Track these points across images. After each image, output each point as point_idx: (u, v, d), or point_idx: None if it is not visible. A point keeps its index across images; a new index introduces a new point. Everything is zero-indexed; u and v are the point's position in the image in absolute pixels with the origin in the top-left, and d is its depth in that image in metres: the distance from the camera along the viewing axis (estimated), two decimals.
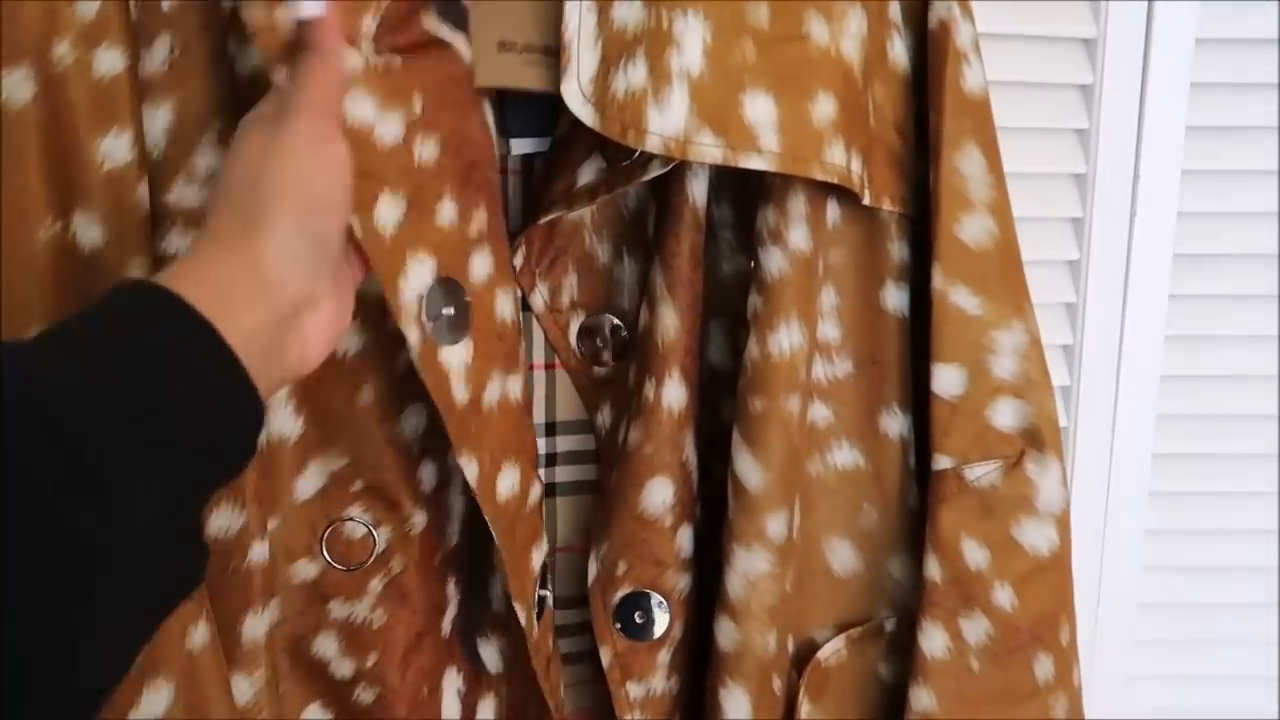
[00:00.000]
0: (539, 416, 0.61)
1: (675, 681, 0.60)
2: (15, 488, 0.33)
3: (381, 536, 0.55)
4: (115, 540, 0.34)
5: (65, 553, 0.33)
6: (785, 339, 0.56)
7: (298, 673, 0.56)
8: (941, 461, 0.57)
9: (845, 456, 0.60)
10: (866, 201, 0.56)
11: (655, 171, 0.53)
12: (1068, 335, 0.74)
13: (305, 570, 0.56)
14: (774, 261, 0.56)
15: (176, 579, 0.38)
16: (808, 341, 0.56)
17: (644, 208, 0.60)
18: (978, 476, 0.57)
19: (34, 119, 0.49)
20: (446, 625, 0.58)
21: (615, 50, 0.51)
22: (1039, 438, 0.57)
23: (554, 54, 0.52)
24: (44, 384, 0.35)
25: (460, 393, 0.50)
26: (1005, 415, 0.57)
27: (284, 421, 0.54)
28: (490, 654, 0.59)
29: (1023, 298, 0.58)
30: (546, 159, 0.58)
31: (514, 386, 0.54)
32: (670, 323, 0.57)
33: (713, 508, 0.59)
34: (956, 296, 0.57)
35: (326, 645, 0.56)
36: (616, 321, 0.60)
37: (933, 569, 0.57)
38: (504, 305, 0.53)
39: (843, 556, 0.60)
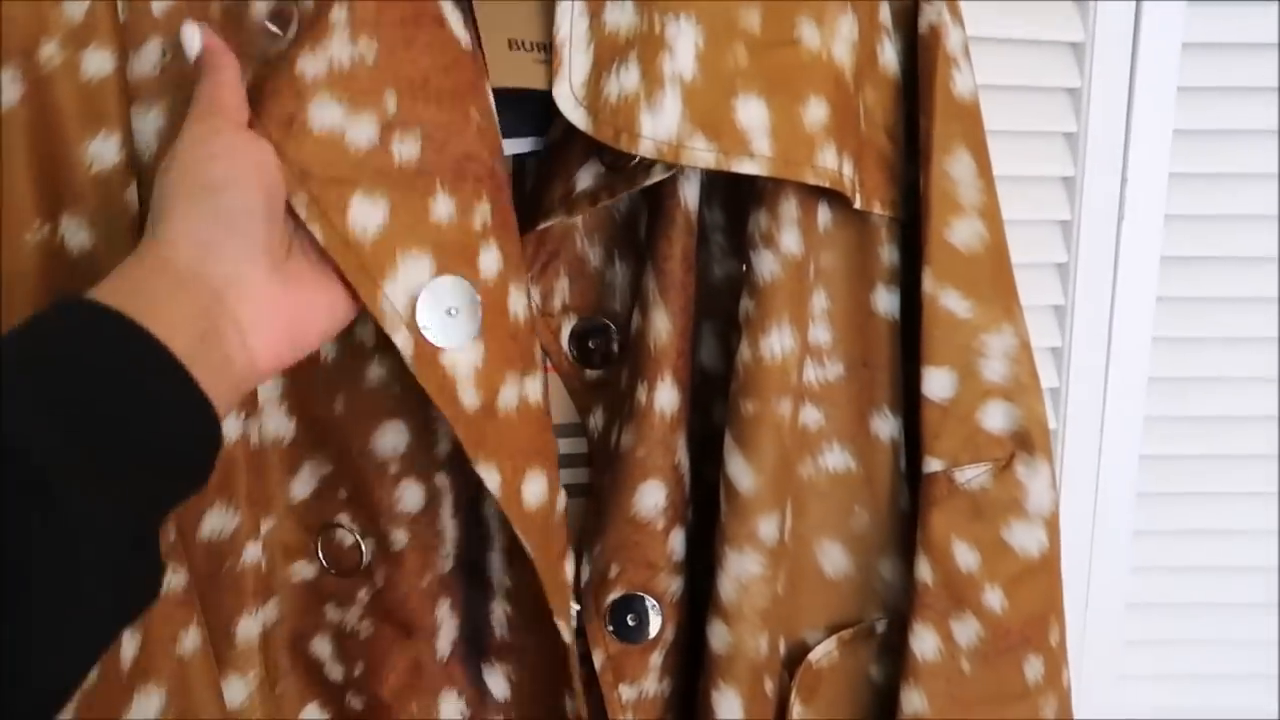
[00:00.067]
0: None
1: (667, 684, 0.60)
2: None
3: (367, 547, 0.55)
4: (68, 557, 0.34)
5: (16, 569, 0.33)
6: (777, 342, 0.56)
7: (297, 671, 0.56)
8: (932, 464, 0.57)
9: (836, 459, 0.60)
10: (858, 205, 0.56)
11: (658, 176, 0.53)
12: (1056, 338, 0.74)
13: (304, 570, 0.56)
14: (766, 265, 0.56)
15: (131, 596, 0.37)
16: (799, 345, 0.56)
17: (635, 211, 0.60)
18: (968, 479, 0.57)
19: (22, 120, 0.48)
20: (444, 648, 0.57)
21: (607, 54, 0.51)
22: (1029, 440, 0.57)
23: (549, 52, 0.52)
24: None
25: (470, 398, 0.49)
26: (995, 418, 0.57)
27: (278, 422, 0.54)
28: (496, 681, 0.58)
29: (1012, 301, 0.58)
30: (540, 160, 0.58)
31: (533, 388, 0.52)
32: (662, 326, 0.57)
33: (704, 511, 0.59)
34: (947, 300, 0.57)
35: (322, 646, 0.56)
36: (608, 324, 0.60)
37: (924, 571, 0.57)
38: (517, 302, 0.51)
39: (834, 559, 0.61)
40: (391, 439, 0.55)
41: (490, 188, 0.51)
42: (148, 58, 0.51)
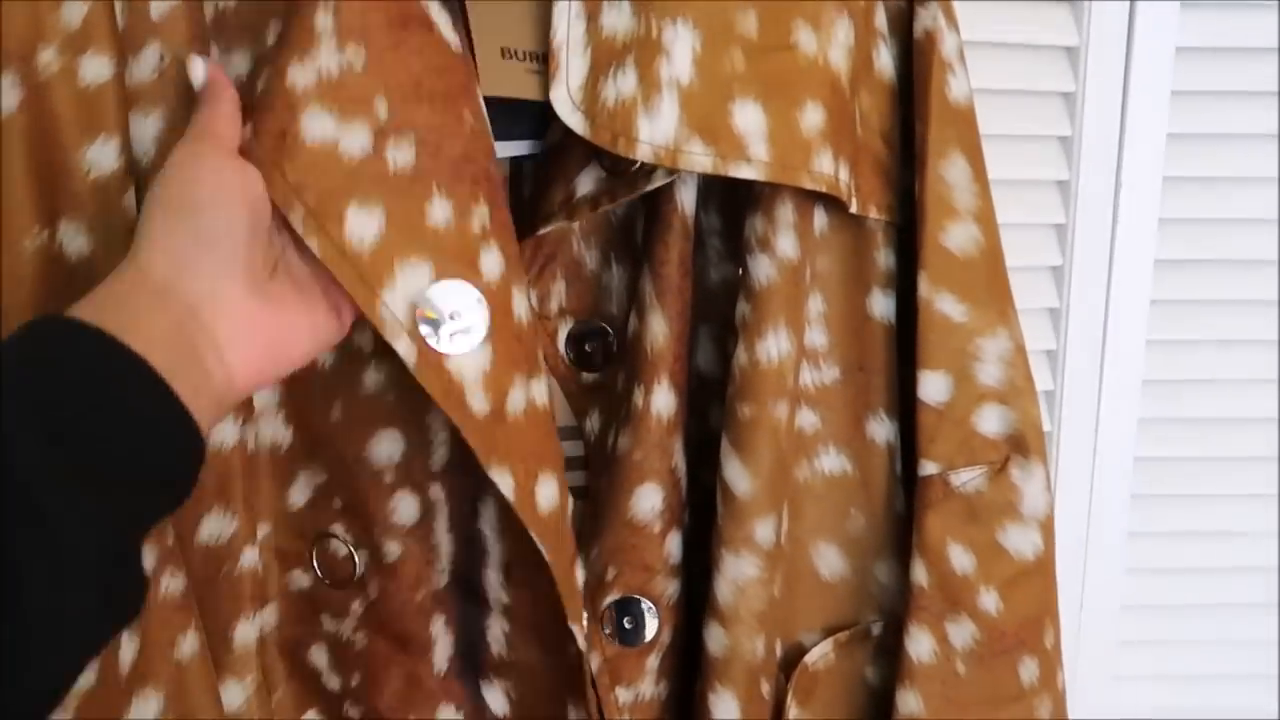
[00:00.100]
0: None
1: (664, 686, 0.60)
2: None
3: (361, 559, 0.55)
4: (52, 573, 0.34)
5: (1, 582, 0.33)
6: (773, 346, 0.56)
7: (295, 679, 0.56)
8: (928, 467, 0.57)
9: (833, 462, 0.60)
10: (854, 210, 0.56)
11: (659, 182, 0.53)
12: (1051, 340, 0.74)
13: (300, 579, 0.56)
14: (762, 269, 0.56)
15: (115, 611, 0.38)
16: (796, 348, 0.57)
17: (632, 215, 0.60)
18: (963, 482, 0.57)
19: (21, 126, 0.48)
20: (440, 663, 0.57)
21: (605, 58, 0.51)
22: (1024, 443, 0.58)
23: (546, 61, 0.52)
24: None
25: (479, 402, 0.48)
26: (990, 421, 0.58)
27: (275, 429, 0.54)
28: (495, 697, 0.58)
29: (1007, 305, 0.58)
30: (539, 164, 0.58)
31: (538, 391, 0.51)
32: (659, 330, 0.57)
33: (701, 514, 0.60)
34: (942, 304, 0.57)
35: (319, 656, 0.56)
36: (605, 328, 0.61)
37: (919, 574, 0.57)
38: (520, 304, 0.51)
39: (830, 561, 0.61)
40: (387, 447, 0.55)
41: (487, 189, 0.51)
42: (146, 63, 0.51)
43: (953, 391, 0.57)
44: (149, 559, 0.50)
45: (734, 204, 0.59)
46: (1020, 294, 0.60)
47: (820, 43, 0.53)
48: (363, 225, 0.47)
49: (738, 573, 0.57)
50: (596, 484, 0.59)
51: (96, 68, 0.49)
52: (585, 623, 0.55)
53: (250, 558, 0.53)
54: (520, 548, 0.56)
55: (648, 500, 0.57)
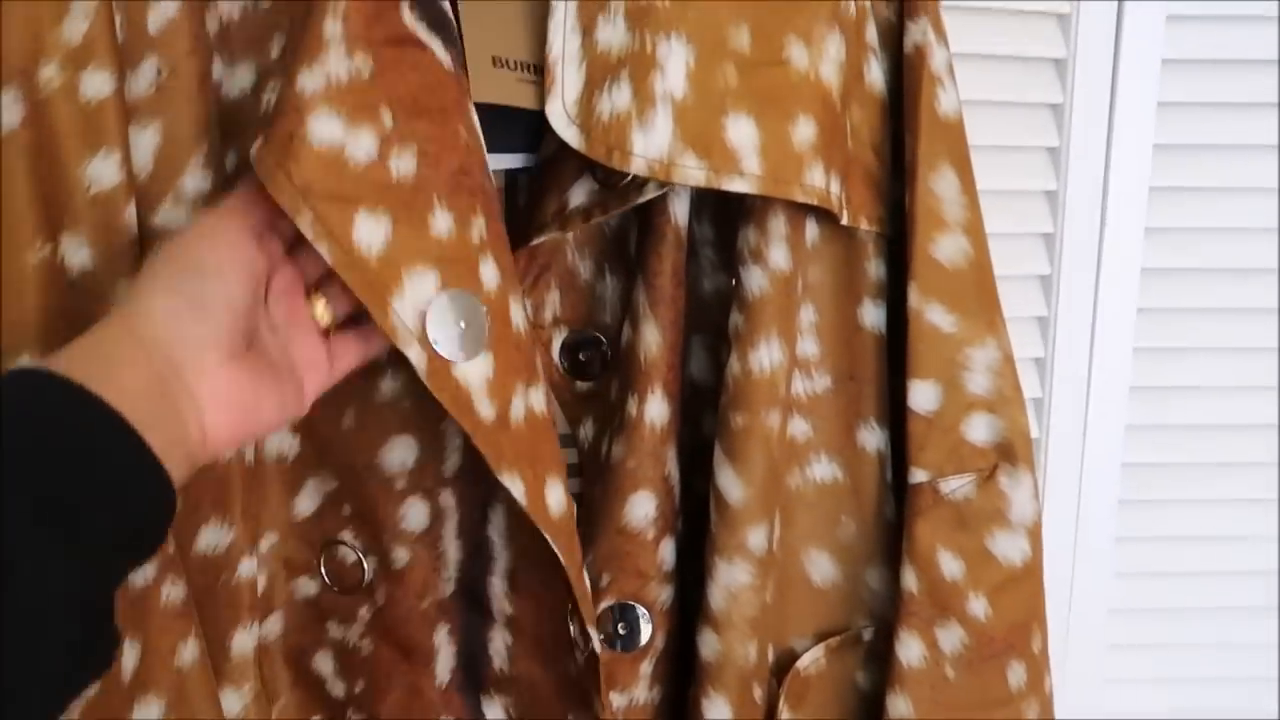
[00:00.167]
0: None
1: (658, 691, 0.61)
2: None
3: (369, 565, 0.56)
4: (23, 626, 0.34)
5: None
6: (766, 356, 0.57)
7: (300, 686, 0.57)
8: (917, 475, 0.58)
9: (824, 470, 0.61)
10: (845, 221, 0.57)
11: (651, 194, 0.53)
12: (1040, 348, 0.75)
13: (306, 587, 0.56)
14: (755, 280, 0.57)
15: (84, 663, 0.37)
16: (788, 358, 0.57)
17: (626, 225, 0.61)
18: (952, 489, 0.58)
19: (23, 142, 0.49)
20: (443, 674, 0.57)
21: (600, 73, 0.51)
22: (1012, 451, 0.59)
23: (541, 72, 0.53)
24: None
25: (486, 409, 0.49)
26: (979, 430, 0.59)
27: (281, 439, 0.54)
28: (495, 712, 0.59)
29: (996, 315, 0.59)
30: (533, 176, 0.59)
31: (537, 398, 0.52)
32: (652, 340, 0.58)
33: (694, 521, 0.60)
34: (932, 314, 0.58)
35: (324, 663, 0.57)
36: (599, 337, 0.61)
37: (909, 580, 0.58)
38: (517, 313, 0.52)
39: (822, 568, 0.62)
40: (400, 454, 0.55)
41: (483, 202, 0.52)
42: (144, 77, 0.51)
43: (942, 400, 0.58)
44: (149, 567, 0.51)
45: (727, 215, 0.60)
46: (1009, 302, 0.61)
47: (812, 58, 0.54)
48: (371, 232, 0.47)
49: (730, 579, 0.57)
50: (590, 492, 0.60)
51: (98, 83, 0.50)
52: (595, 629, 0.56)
53: (248, 568, 0.54)
54: (527, 554, 0.57)
55: (641, 508, 0.58)
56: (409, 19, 0.49)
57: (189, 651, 0.52)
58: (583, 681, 0.57)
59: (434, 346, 0.48)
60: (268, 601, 0.57)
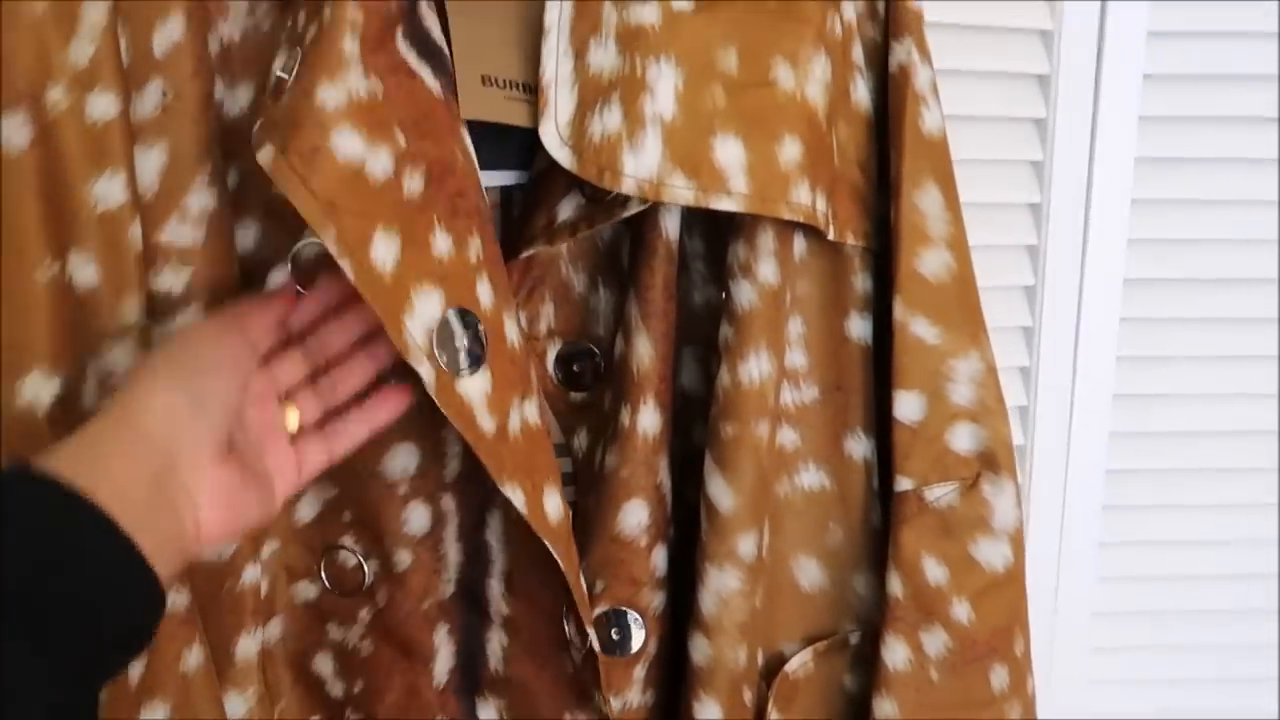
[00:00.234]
0: None
1: (650, 695, 0.62)
2: None
3: (370, 568, 0.57)
4: None
5: None
6: (755, 368, 0.58)
7: (299, 688, 0.58)
8: (903, 483, 0.60)
9: (812, 478, 0.62)
10: (831, 237, 0.58)
11: (633, 209, 0.55)
12: (1024, 357, 0.77)
13: (306, 591, 0.58)
14: (744, 294, 0.58)
15: None
16: (776, 369, 0.59)
17: (618, 240, 0.62)
18: (937, 497, 0.60)
19: (31, 163, 0.50)
20: (440, 675, 0.59)
21: (591, 95, 0.53)
22: (994, 460, 0.60)
23: (534, 91, 0.54)
24: None
25: (486, 423, 0.51)
26: (962, 439, 0.60)
27: None
28: (489, 713, 0.60)
29: (979, 328, 0.61)
30: (526, 190, 0.60)
31: (531, 411, 0.54)
32: (645, 352, 0.59)
33: (685, 528, 0.62)
34: (916, 327, 0.59)
35: (324, 664, 0.58)
36: (593, 348, 0.63)
37: (895, 585, 0.60)
38: (511, 329, 0.54)
39: (810, 574, 0.63)
40: (403, 460, 0.57)
41: (478, 222, 0.53)
42: (149, 98, 0.53)
43: (926, 410, 0.60)
44: None
45: (717, 230, 0.61)
46: (994, 312, 0.62)
47: (798, 79, 0.55)
48: (384, 251, 0.48)
49: (721, 585, 0.59)
50: (584, 500, 0.61)
51: (104, 104, 0.51)
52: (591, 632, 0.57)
53: (252, 574, 0.55)
54: (524, 558, 0.58)
55: (634, 516, 0.59)
56: (402, 47, 0.51)
57: (193, 657, 0.53)
58: (579, 680, 0.58)
59: (440, 362, 0.49)
60: (269, 606, 0.59)
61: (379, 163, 0.49)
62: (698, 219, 0.61)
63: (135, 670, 0.52)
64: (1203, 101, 0.74)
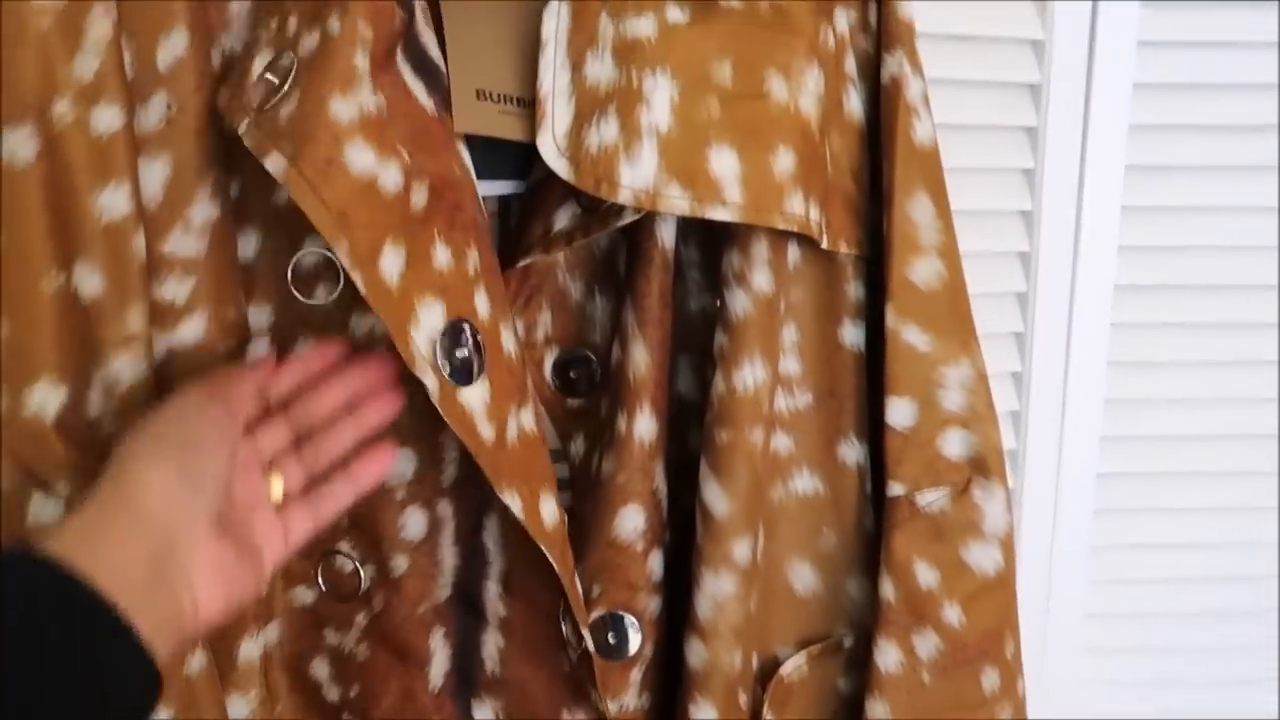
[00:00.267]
0: None
1: (646, 698, 0.63)
2: None
3: (367, 573, 0.58)
4: None
5: None
6: (749, 375, 0.59)
7: (296, 692, 0.59)
8: (895, 488, 0.60)
9: (806, 484, 0.63)
10: (825, 245, 0.59)
11: (628, 219, 0.55)
12: (1016, 363, 0.77)
13: (304, 595, 0.58)
14: (739, 302, 0.59)
15: None
16: (770, 376, 0.59)
17: (615, 248, 0.63)
18: (928, 502, 0.60)
19: (38, 175, 0.51)
20: (436, 678, 0.60)
21: (588, 107, 0.53)
22: (985, 466, 0.61)
23: (528, 105, 0.55)
24: None
25: (486, 431, 0.52)
26: (954, 445, 0.61)
27: None
28: (485, 714, 0.61)
29: (970, 335, 0.61)
30: (523, 200, 0.61)
31: (528, 419, 0.55)
32: (641, 359, 0.60)
33: (681, 533, 0.62)
34: (908, 334, 0.60)
35: (321, 668, 0.59)
36: (589, 356, 0.63)
37: (887, 589, 0.60)
38: (508, 339, 0.55)
39: (804, 578, 0.64)
40: (400, 466, 0.57)
41: (475, 235, 0.54)
42: (154, 112, 0.53)
43: (918, 416, 0.60)
44: None
45: (712, 238, 0.62)
46: (986, 319, 0.63)
47: (791, 91, 0.56)
48: (391, 263, 0.49)
49: (716, 589, 0.60)
50: (581, 506, 0.62)
51: (108, 117, 0.51)
52: (587, 634, 0.58)
53: None
54: (520, 560, 0.59)
55: (631, 521, 0.60)
56: (400, 63, 0.52)
57: (196, 661, 0.54)
58: (575, 678, 0.59)
59: (443, 373, 0.50)
60: (268, 610, 0.59)
61: (389, 176, 0.50)
62: (693, 228, 0.62)
63: None
64: (1192, 109, 0.75)
